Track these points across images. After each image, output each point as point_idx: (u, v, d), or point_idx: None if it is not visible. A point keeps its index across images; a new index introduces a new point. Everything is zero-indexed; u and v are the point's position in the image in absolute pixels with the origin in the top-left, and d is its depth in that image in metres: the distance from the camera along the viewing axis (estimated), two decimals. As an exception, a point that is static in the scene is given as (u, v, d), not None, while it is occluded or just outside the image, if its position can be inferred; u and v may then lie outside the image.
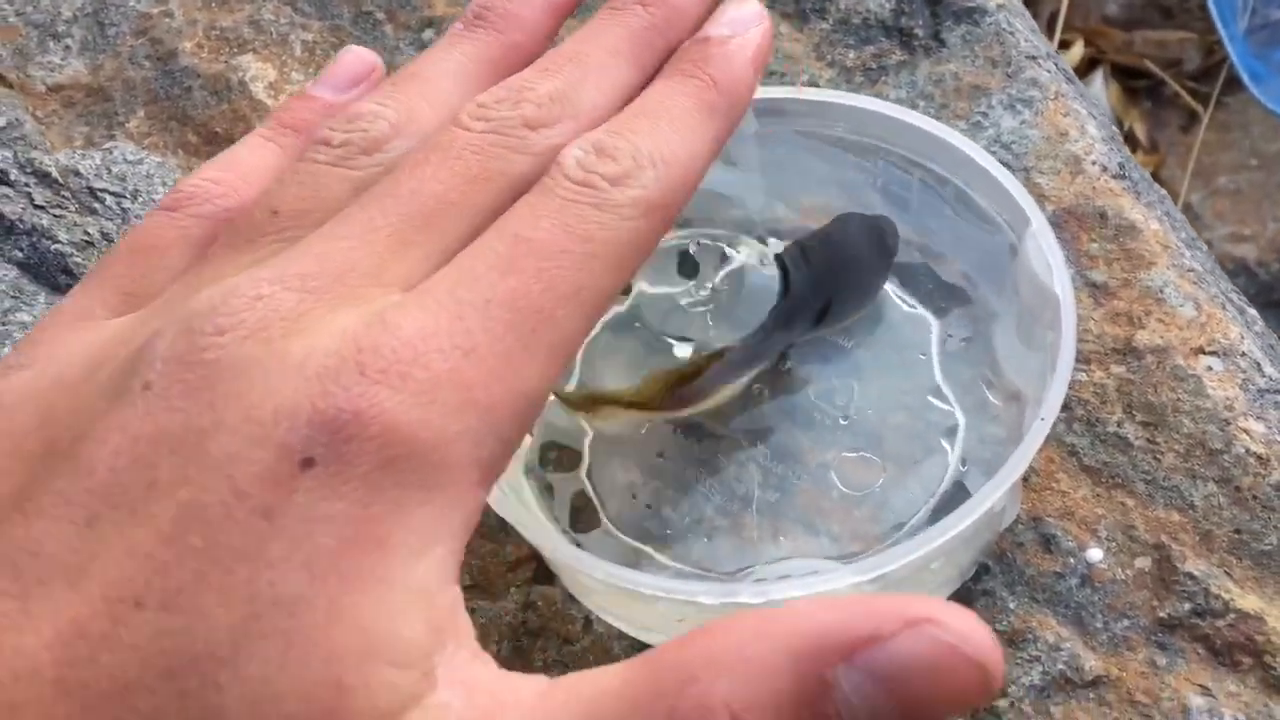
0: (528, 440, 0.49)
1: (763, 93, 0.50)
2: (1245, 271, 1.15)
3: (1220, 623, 0.44)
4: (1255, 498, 0.46)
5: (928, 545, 0.39)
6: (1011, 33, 0.61)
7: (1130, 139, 1.22)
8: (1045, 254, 0.44)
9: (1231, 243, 1.16)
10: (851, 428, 0.47)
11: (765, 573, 0.43)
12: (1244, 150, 1.22)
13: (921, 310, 0.50)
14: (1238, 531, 0.46)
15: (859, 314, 0.50)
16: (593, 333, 0.50)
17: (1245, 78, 1.17)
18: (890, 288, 0.50)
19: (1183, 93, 1.23)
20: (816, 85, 0.61)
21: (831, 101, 0.50)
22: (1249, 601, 0.44)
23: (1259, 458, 0.47)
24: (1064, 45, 1.27)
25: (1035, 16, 1.16)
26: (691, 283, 0.51)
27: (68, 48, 0.72)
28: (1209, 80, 1.24)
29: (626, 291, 0.52)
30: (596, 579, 0.40)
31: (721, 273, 0.51)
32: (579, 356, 0.51)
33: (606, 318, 0.52)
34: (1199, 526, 0.46)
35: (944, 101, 0.59)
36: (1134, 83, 1.27)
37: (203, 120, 0.67)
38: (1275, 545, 0.46)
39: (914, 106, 0.59)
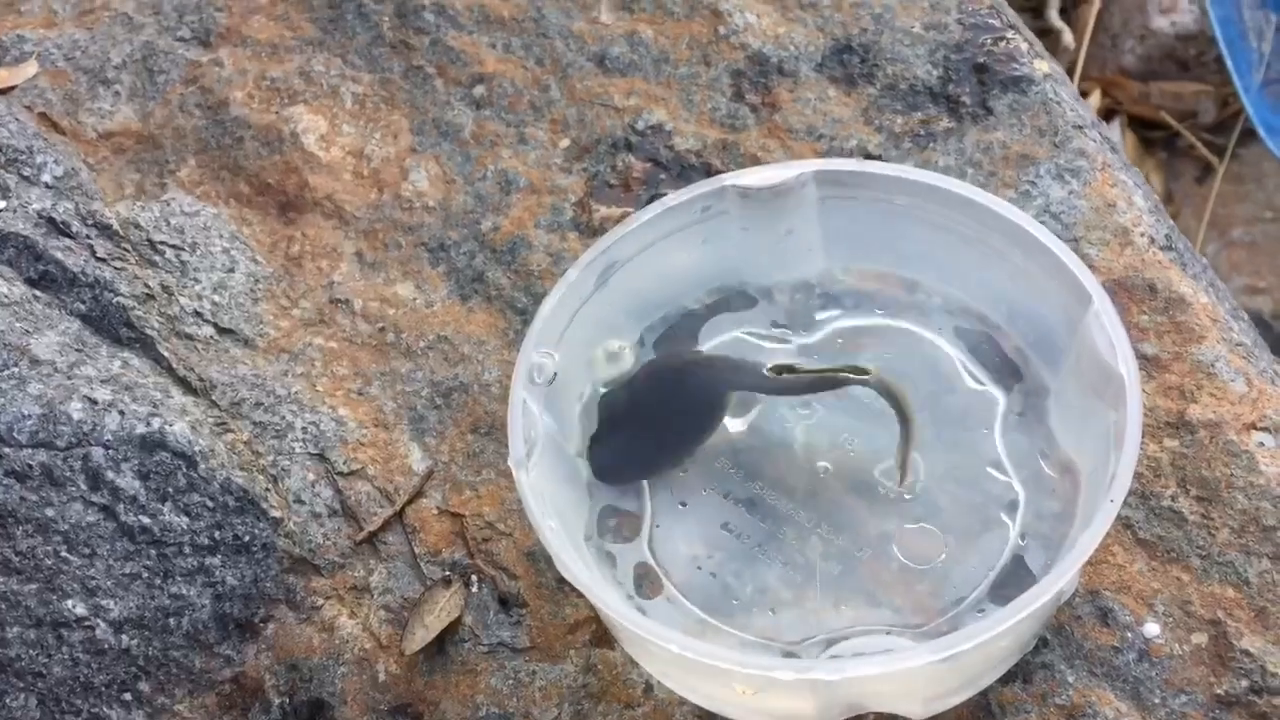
0: (585, 506, 0.50)
1: (825, 164, 0.51)
2: (1260, 324, 1.16)
3: (1277, 700, 0.45)
4: (1310, 576, 0.47)
5: (1000, 625, 0.39)
6: (1058, 102, 0.62)
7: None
8: (1109, 333, 0.45)
9: (1246, 295, 1.17)
10: (915, 502, 0.48)
11: (839, 649, 0.43)
12: (1259, 202, 1.24)
13: (990, 387, 0.50)
14: (1293, 609, 0.47)
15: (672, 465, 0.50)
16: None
17: (1261, 130, 1.18)
18: (961, 359, 0.51)
19: (1198, 144, 1.24)
20: (865, 149, 0.62)
21: (893, 175, 0.51)
22: (1305, 679, 0.45)
23: (1313, 535, 0.48)
24: (1082, 95, 1.28)
25: (1053, 66, 1.17)
26: None
27: (117, 94, 0.73)
28: (1224, 132, 1.25)
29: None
30: (671, 651, 0.41)
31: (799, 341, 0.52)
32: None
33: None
34: (1254, 603, 0.47)
35: (992, 169, 0.60)
36: (1150, 134, 1.29)
37: (254, 171, 0.67)
38: (1330, 623, 0.46)
39: (962, 174, 0.60)
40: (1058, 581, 0.40)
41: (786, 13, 0.67)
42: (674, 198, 0.52)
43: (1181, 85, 1.29)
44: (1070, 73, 1.24)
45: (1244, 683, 0.45)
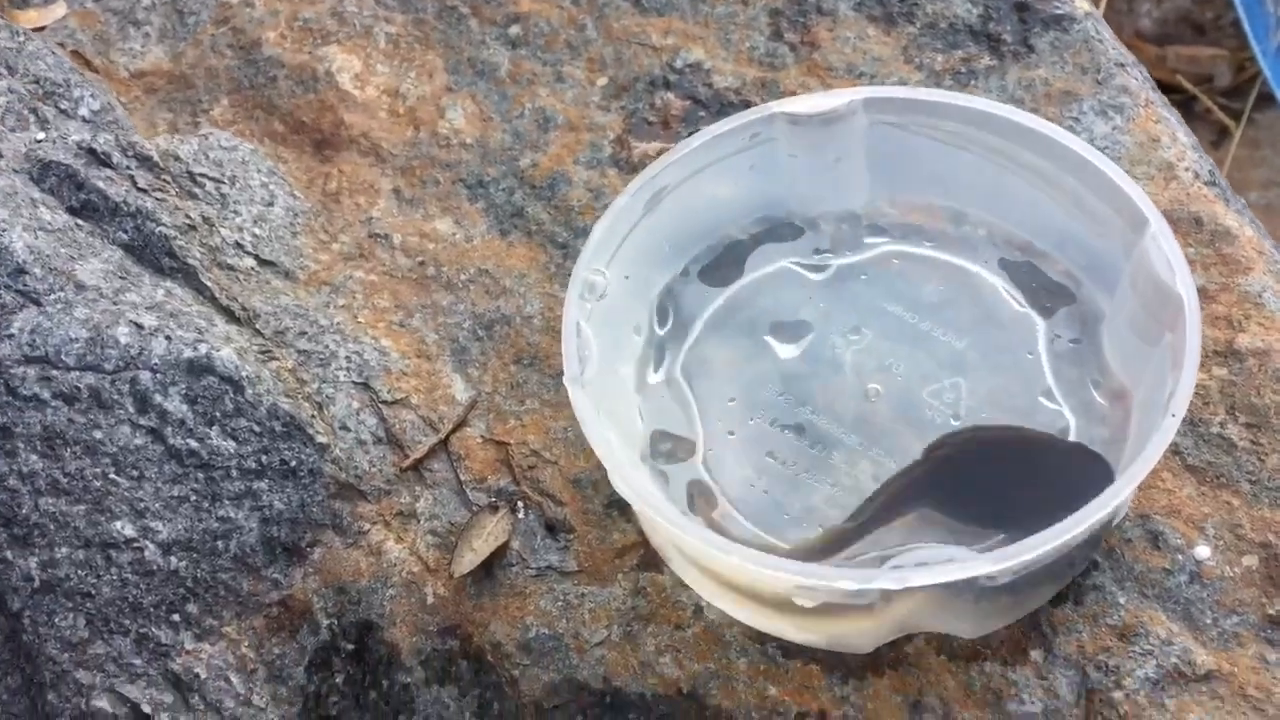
0: (640, 428, 0.50)
1: (873, 91, 0.51)
2: None
3: (1329, 620, 0.45)
4: (1361, 499, 0.47)
5: (1060, 538, 0.39)
6: (1100, 40, 0.62)
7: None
8: (1167, 255, 0.45)
9: None
10: (963, 426, 0.48)
11: (899, 560, 0.43)
12: (1275, 166, 1.23)
13: (1029, 309, 0.51)
14: (1343, 532, 0.47)
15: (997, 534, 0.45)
16: (694, 334, 0.51)
17: (1278, 94, 1.18)
18: (1000, 284, 0.51)
19: (1214, 108, 1.24)
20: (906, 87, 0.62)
21: (944, 102, 0.51)
22: (1357, 600, 0.45)
23: (1363, 460, 0.48)
24: (1099, 58, 1.27)
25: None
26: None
27: (147, 35, 0.72)
28: (1240, 96, 1.25)
29: (728, 283, 0.53)
30: (731, 561, 0.41)
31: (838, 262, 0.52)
32: (681, 355, 0.51)
33: (706, 314, 0.53)
34: (1304, 526, 0.47)
35: (1034, 106, 0.60)
36: (1168, 97, 1.28)
37: (288, 110, 0.67)
38: (1380, 546, 0.47)
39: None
40: (1116, 496, 0.40)
41: (824, -48, 0.67)
42: (723, 124, 0.52)
43: (1198, 49, 1.29)
44: (1088, 35, 1.24)
45: (1295, 603, 0.46)
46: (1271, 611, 0.46)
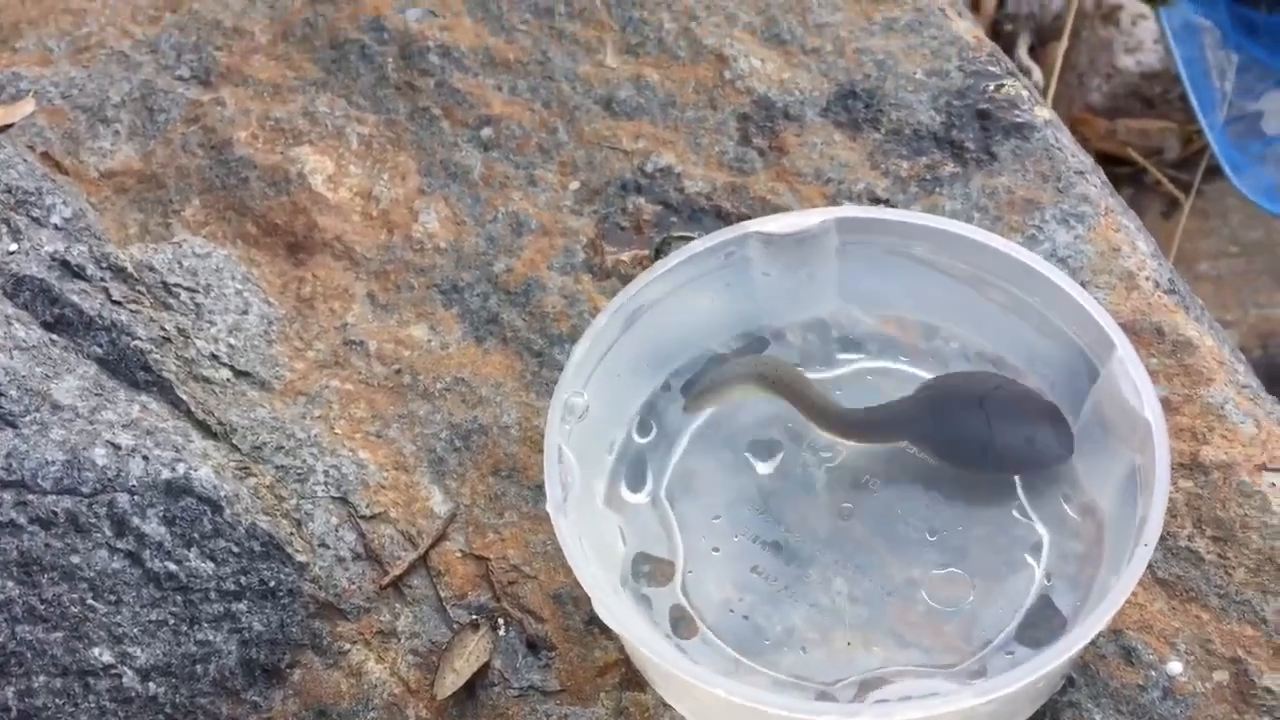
0: (621, 551, 0.50)
1: (845, 211, 0.52)
2: None
3: (1299, 736, 0.46)
4: (1326, 614, 0.48)
5: (1043, 669, 0.40)
6: (1059, 148, 0.64)
7: (1116, 224, 1.26)
8: (1134, 380, 0.46)
9: None
10: (939, 544, 0.49)
11: (882, 693, 0.44)
12: (1224, 237, 1.27)
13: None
14: (1309, 646, 0.48)
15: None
16: (679, 449, 0.51)
17: (1225, 167, 1.21)
18: (971, 403, 0.52)
19: (1164, 180, 1.27)
20: (873, 195, 0.63)
21: (913, 222, 0.52)
22: (1324, 715, 0.47)
23: (1326, 574, 0.49)
24: (1051, 132, 1.30)
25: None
26: None
27: (117, 132, 0.73)
28: (1189, 169, 1.28)
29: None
30: (717, 695, 0.41)
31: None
32: (666, 473, 0.52)
33: (690, 429, 0.53)
34: (1272, 640, 0.48)
35: (998, 214, 0.61)
36: (1117, 169, 1.31)
37: (261, 211, 0.68)
38: (1345, 660, 0.48)
39: (969, 218, 0.61)
40: (1097, 625, 0.41)
41: (790, 58, 0.69)
42: (698, 244, 0.52)
43: (1147, 122, 1.32)
44: (1041, 110, 1.27)
45: (1266, 719, 0.47)
46: (1242, 727, 0.47)
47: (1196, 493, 0.52)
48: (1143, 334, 0.56)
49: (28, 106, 0.75)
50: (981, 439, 0.49)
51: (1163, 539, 0.51)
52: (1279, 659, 0.48)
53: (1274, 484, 0.51)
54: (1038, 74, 1.28)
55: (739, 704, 0.41)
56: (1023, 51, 1.31)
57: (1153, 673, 0.48)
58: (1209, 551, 0.50)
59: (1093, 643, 0.48)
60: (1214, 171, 1.25)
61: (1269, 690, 0.47)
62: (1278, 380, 1.16)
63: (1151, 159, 1.30)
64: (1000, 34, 1.32)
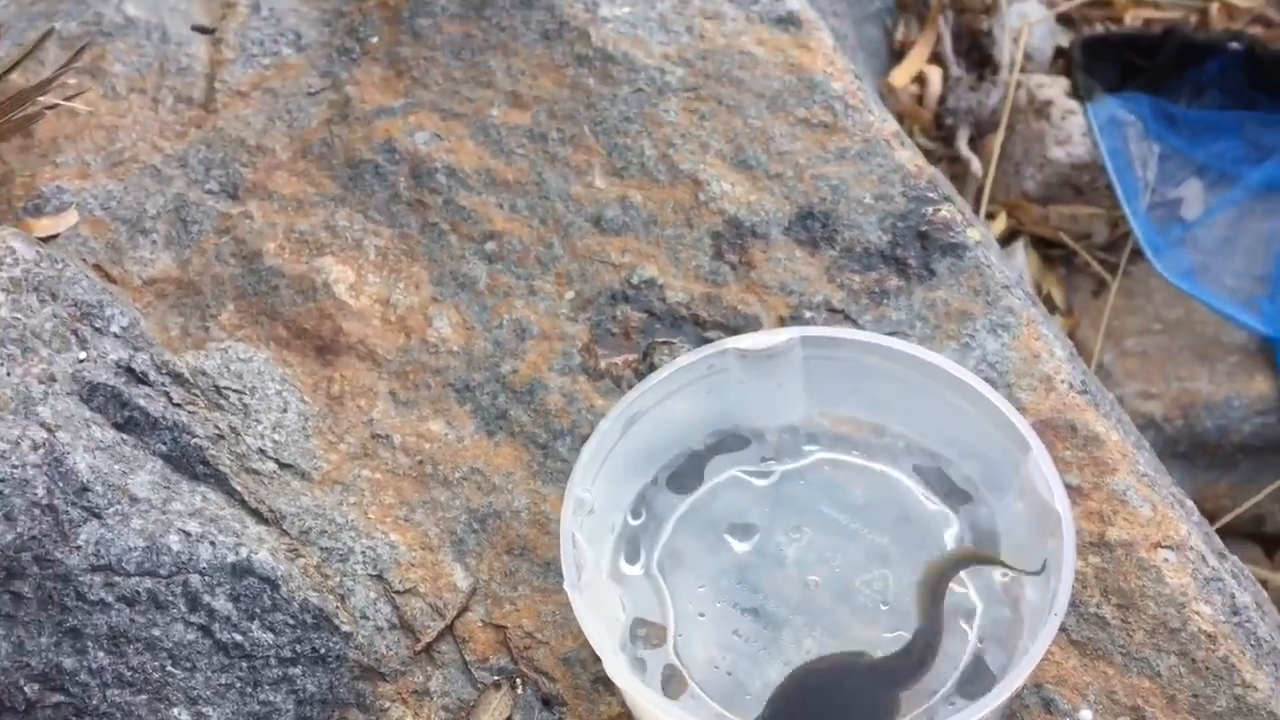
0: (620, 618, 0.59)
1: (807, 331, 0.62)
2: (1153, 426, 1.28)
3: (1185, 770, 0.56)
4: (1208, 668, 0.58)
5: (978, 714, 0.50)
6: (988, 265, 0.74)
7: (1048, 302, 1.35)
8: (1046, 477, 0.56)
9: (1140, 399, 1.29)
10: (891, 611, 0.59)
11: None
12: (1148, 315, 1.36)
13: (942, 507, 0.61)
14: (1195, 695, 0.58)
15: None
16: (666, 531, 0.61)
17: (1147, 250, 1.31)
18: (915, 486, 0.62)
19: (1093, 262, 1.37)
20: (829, 305, 0.73)
21: (864, 340, 0.62)
22: (1206, 752, 0.57)
23: (1208, 635, 0.59)
24: (989, 216, 1.41)
25: (961, 192, 1.30)
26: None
27: (154, 242, 0.82)
28: (1116, 251, 1.37)
29: (690, 490, 0.63)
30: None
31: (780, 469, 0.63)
32: (656, 550, 0.61)
33: (675, 515, 0.63)
34: (1165, 691, 0.58)
35: (936, 324, 0.72)
36: (1050, 252, 1.41)
37: (291, 316, 0.77)
38: (1224, 707, 0.58)
39: (912, 327, 0.71)
40: (1017, 680, 0.51)
41: (756, 182, 0.79)
42: (684, 359, 0.62)
43: (1077, 208, 1.41)
44: (978, 197, 1.37)
45: (1158, 756, 0.57)
46: (1140, 763, 0.57)
47: (1103, 566, 0.62)
48: (1059, 429, 0.66)
49: (72, 218, 0.84)
50: None
51: (1076, 606, 0.61)
52: (1171, 706, 0.58)
53: (1167, 559, 0.61)
54: (977, 164, 1.38)
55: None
56: (962, 144, 1.40)
57: (1068, 719, 0.58)
58: (1114, 617, 0.60)
59: (1019, 695, 0.58)
60: (1139, 254, 1.34)
61: (1161, 732, 0.57)
62: (1198, 447, 1.26)
63: (1081, 242, 1.39)
64: (941, 126, 1.41)
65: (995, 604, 0.59)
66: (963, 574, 0.60)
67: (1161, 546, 0.62)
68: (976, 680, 0.56)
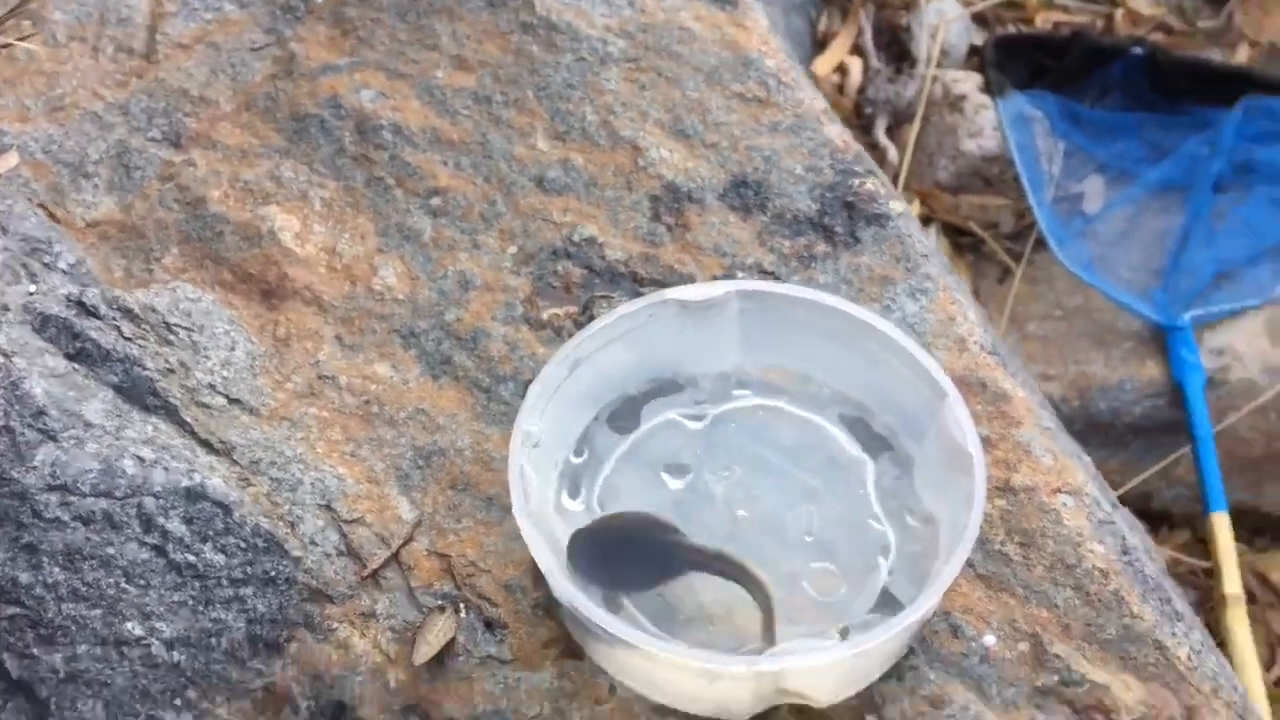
0: (563, 546, 0.63)
1: (743, 284, 0.66)
2: (1052, 405, 1.34)
3: (1079, 690, 0.61)
4: (1100, 600, 0.64)
5: (896, 628, 0.54)
6: (910, 235, 0.79)
7: (957, 287, 1.40)
8: (961, 422, 0.61)
9: (1040, 380, 1.35)
10: (815, 544, 0.63)
11: (779, 648, 0.57)
12: (1050, 302, 1.42)
13: (862, 454, 0.66)
14: (1088, 625, 0.63)
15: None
16: (606, 469, 0.64)
17: (1050, 240, 1.36)
18: (839, 433, 0.66)
19: (999, 250, 1.42)
20: (761, 268, 0.77)
21: (793, 295, 0.66)
22: (1097, 674, 0.62)
23: (1101, 571, 0.65)
24: (903, 204, 1.45)
25: (879, 179, 1.34)
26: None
27: (97, 186, 0.83)
28: (1021, 240, 1.43)
29: (629, 430, 0.67)
30: (648, 651, 0.54)
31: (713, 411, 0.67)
32: (597, 486, 0.65)
33: (615, 454, 0.66)
34: (1061, 620, 0.63)
35: (860, 287, 0.76)
36: (960, 239, 1.46)
37: (236, 261, 0.79)
38: (1113, 635, 0.63)
39: (838, 289, 0.76)
40: (930, 600, 0.55)
41: (693, 151, 0.83)
42: (627, 307, 0.66)
43: (986, 198, 1.47)
44: (894, 184, 1.42)
45: (1055, 678, 0.62)
46: (1039, 684, 0.62)
47: (1008, 509, 0.67)
48: (970, 386, 0.71)
49: (12, 159, 0.85)
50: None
51: (982, 543, 0.66)
52: (1066, 634, 0.63)
53: (1065, 504, 0.67)
54: (893, 153, 1.43)
55: (663, 659, 0.54)
56: (880, 133, 1.44)
57: (973, 644, 0.62)
58: (1016, 554, 0.65)
59: (928, 622, 0.63)
60: (1042, 243, 1.39)
61: (1058, 656, 0.62)
62: (1092, 426, 1.32)
63: (989, 231, 1.44)
64: (861, 115, 1.46)
65: (908, 539, 0.63)
66: (879, 511, 0.64)
67: (1061, 492, 0.67)
68: (888, 608, 0.60)
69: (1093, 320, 1.32)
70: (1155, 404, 1.26)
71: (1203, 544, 1.23)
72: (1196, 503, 1.21)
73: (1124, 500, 1.25)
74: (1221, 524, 1.15)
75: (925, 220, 1.45)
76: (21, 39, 0.87)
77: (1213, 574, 1.15)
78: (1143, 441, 1.28)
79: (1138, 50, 1.39)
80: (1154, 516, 1.27)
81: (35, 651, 0.60)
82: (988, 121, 1.37)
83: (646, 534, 0.62)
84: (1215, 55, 1.50)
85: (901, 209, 0.80)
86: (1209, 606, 1.15)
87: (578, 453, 0.66)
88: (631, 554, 0.61)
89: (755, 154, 0.82)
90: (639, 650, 0.55)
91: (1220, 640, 1.04)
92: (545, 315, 0.76)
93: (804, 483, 0.65)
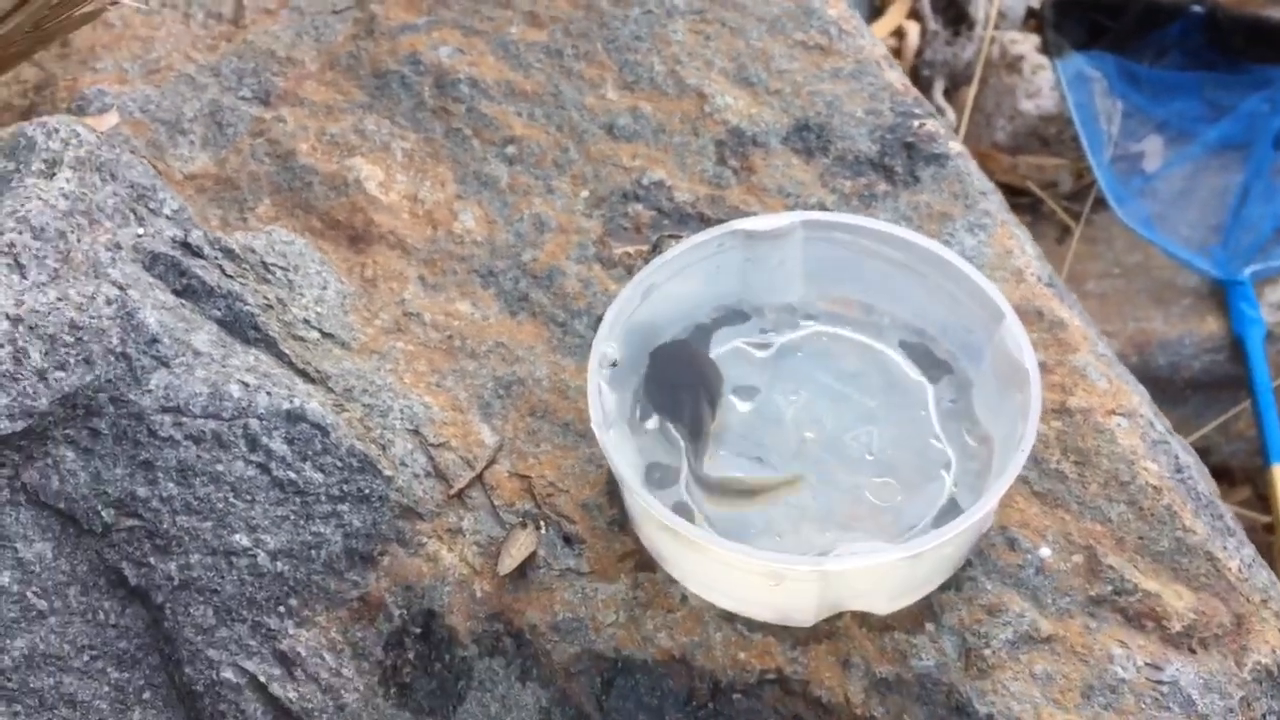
0: (637, 463, 0.67)
1: (808, 215, 0.70)
2: None
3: (1132, 599, 0.64)
4: (1153, 515, 0.66)
5: (950, 534, 0.58)
6: (968, 174, 0.81)
7: (1016, 246, 1.41)
8: (1018, 339, 0.63)
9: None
10: (876, 462, 0.66)
11: (839, 551, 0.61)
12: (1108, 260, 1.43)
13: (922, 378, 0.69)
14: (1141, 538, 0.66)
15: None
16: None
17: (1109, 199, 1.38)
18: (899, 359, 0.70)
19: (1058, 210, 1.43)
20: (824, 207, 0.80)
21: (858, 224, 0.69)
22: (1149, 584, 0.64)
23: (1154, 488, 0.67)
24: (962, 165, 1.47)
25: (938, 139, 1.36)
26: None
27: (193, 142, 0.88)
28: (1080, 200, 1.43)
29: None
30: (716, 551, 0.58)
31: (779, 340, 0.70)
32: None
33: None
34: (1114, 534, 0.66)
35: (919, 224, 0.79)
36: (1018, 199, 1.47)
37: (324, 210, 0.83)
38: (1166, 548, 0.66)
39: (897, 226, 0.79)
40: (986, 505, 0.58)
41: (757, 97, 0.86)
42: (696, 237, 0.69)
43: (1044, 159, 1.47)
44: (953, 145, 1.43)
45: (1109, 587, 0.64)
46: (1092, 593, 0.64)
47: (1064, 430, 0.69)
48: (1027, 315, 0.74)
49: (114, 118, 0.89)
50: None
51: (1038, 463, 0.68)
52: (1119, 547, 0.66)
53: (1119, 424, 0.69)
54: (951, 114, 1.44)
55: (736, 560, 0.58)
56: (938, 94, 1.46)
57: (1029, 556, 0.65)
58: (1072, 472, 0.68)
59: (986, 535, 0.66)
60: (1100, 203, 1.39)
61: (1111, 567, 0.65)
62: (1151, 382, 1.33)
63: (1048, 191, 1.45)
64: (919, 78, 1.47)
65: (967, 457, 0.66)
66: (940, 431, 0.67)
67: (1115, 414, 0.70)
68: (950, 517, 0.63)
69: (1151, 277, 1.33)
70: (1214, 359, 1.27)
71: (1264, 500, 1.24)
72: (1257, 457, 1.22)
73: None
74: (1282, 476, 1.16)
75: (984, 180, 1.46)
76: (115, 3, 0.92)
77: (1274, 528, 1.16)
78: (1202, 397, 1.29)
79: (1196, 8, 1.39)
80: (1215, 472, 1.27)
81: (151, 560, 0.65)
82: (1045, 82, 1.38)
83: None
84: (1275, 13, 1.50)
85: (960, 149, 0.83)
86: (1271, 560, 1.16)
87: (650, 378, 0.70)
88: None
89: (817, 99, 0.85)
90: (708, 552, 0.59)
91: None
92: (617, 254, 0.79)
93: (866, 406, 0.68)
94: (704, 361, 0.69)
